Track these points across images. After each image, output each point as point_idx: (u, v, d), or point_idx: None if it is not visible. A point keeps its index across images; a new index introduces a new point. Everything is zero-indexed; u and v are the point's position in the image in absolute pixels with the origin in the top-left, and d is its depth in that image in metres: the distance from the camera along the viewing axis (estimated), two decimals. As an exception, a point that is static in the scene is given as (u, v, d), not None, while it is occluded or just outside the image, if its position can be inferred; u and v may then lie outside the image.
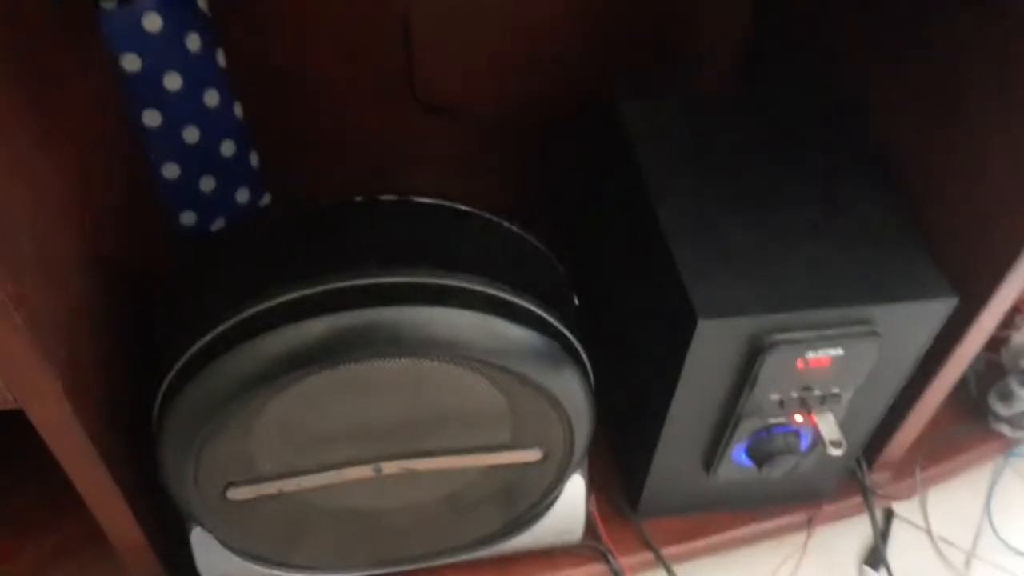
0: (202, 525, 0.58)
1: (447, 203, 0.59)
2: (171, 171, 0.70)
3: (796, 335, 0.57)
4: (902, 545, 0.85)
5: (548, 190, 0.88)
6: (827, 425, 0.63)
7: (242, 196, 0.76)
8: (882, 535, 0.85)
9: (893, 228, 0.61)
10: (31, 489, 0.69)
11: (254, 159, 0.76)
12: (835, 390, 0.62)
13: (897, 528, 0.86)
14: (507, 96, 0.85)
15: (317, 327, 0.46)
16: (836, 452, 0.62)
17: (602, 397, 0.58)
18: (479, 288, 0.51)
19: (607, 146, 0.71)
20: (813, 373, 0.60)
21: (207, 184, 0.72)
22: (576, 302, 0.61)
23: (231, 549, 0.61)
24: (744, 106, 0.71)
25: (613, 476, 0.76)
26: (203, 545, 0.60)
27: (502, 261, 0.57)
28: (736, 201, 0.62)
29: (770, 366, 0.58)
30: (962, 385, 0.86)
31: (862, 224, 0.61)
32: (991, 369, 0.86)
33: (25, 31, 0.48)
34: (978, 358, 0.85)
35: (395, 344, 0.48)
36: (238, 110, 0.72)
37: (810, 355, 0.58)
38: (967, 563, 0.85)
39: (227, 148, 0.72)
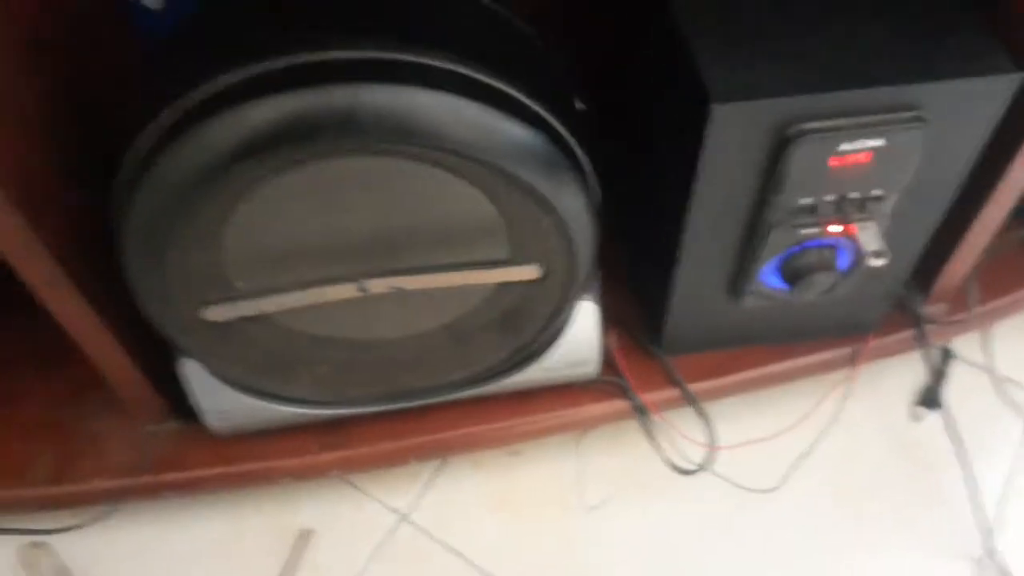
0: (186, 353, 0.56)
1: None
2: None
3: (827, 123, 0.50)
4: (961, 386, 0.78)
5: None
6: (868, 234, 0.56)
7: None
8: (938, 373, 0.78)
9: (947, 9, 0.52)
10: (38, 335, 0.68)
11: None
12: (876, 192, 0.54)
13: (955, 368, 0.79)
14: None
15: (264, 110, 0.41)
16: (878, 263, 0.55)
17: (619, 221, 0.52)
18: (453, 67, 0.45)
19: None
20: (849, 172, 0.53)
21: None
22: (579, 105, 0.55)
23: (224, 381, 0.58)
24: None
25: (635, 311, 0.71)
26: (195, 377, 0.58)
27: (494, 47, 0.51)
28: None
29: (798, 161, 0.51)
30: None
31: (909, 5, 0.53)
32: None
33: None
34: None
35: (350, 133, 0.43)
36: None
37: (845, 148, 0.51)
38: (1034, 403, 0.78)
39: None
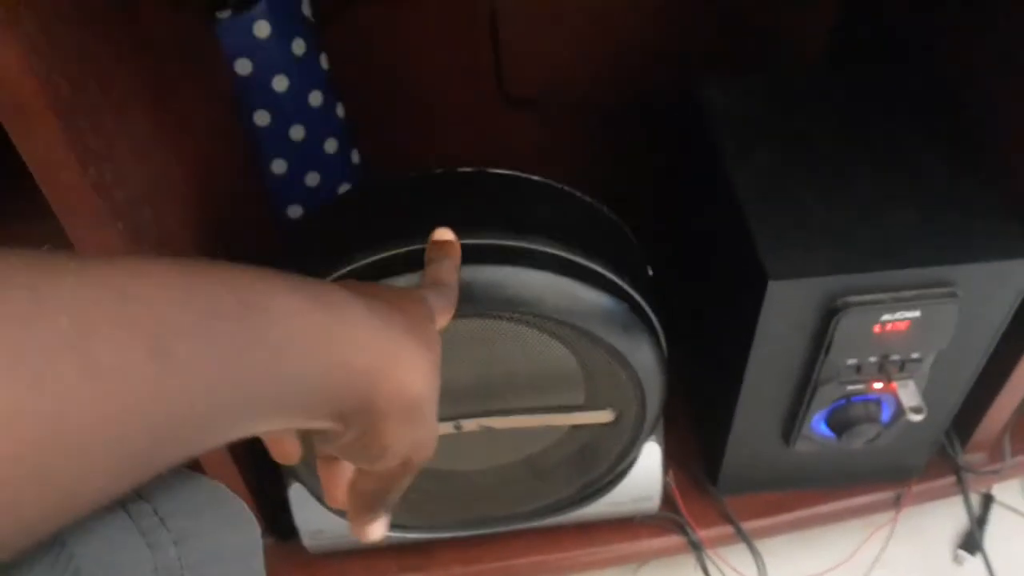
0: (300, 481, 0.62)
1: (522, 174, 0.62)
2: (279, 167, 0.75)
3: (870, 297, 0.57)
4: (1001, 531, 0.82)
5: (629, 177, 0.90)
6: (907, 391, 0.62)
7: (343, 190, 0.81)
8: (978, 519, 0.82)
9: (975, 195, 0.60)
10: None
11: (355, 155, 0.81)
12: (915, 355, 0.61)
13: (996, 513, 0.83)
14: (593, 85, 0.87)
15: (399, 285, 0.50)
16: (916, 418, 0.61)
17: (679, 369, 0.59)
18: (551, 250, 0.53)
19: (688, 124, 0.72)
20: (890, 337, 0.59)
21: (312, 179, 0.77)
22: (650, 272, 0.63)
23: (326, 505, 0.65)
24: (826, 84, 0.71)
25: (692, 451, 0.77)
26: (300, 500, 0.64)
27: (574, 227, 0.59)
28: (814, 171, 0.62)
29: (845, 329, 0.58)
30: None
31: (943, 193, 0.61)
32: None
33: (147, 37, 0.54)
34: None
35: (469, 302, 0.51)
36: (340, 110, 0.77)
37: (886, 318, 0.58)
38: (1074, 551, 0.81)
39: (330, 145, 0.77)
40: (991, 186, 0.61)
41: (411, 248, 0.51)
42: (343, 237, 0.57)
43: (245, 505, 0.25)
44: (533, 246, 0.53)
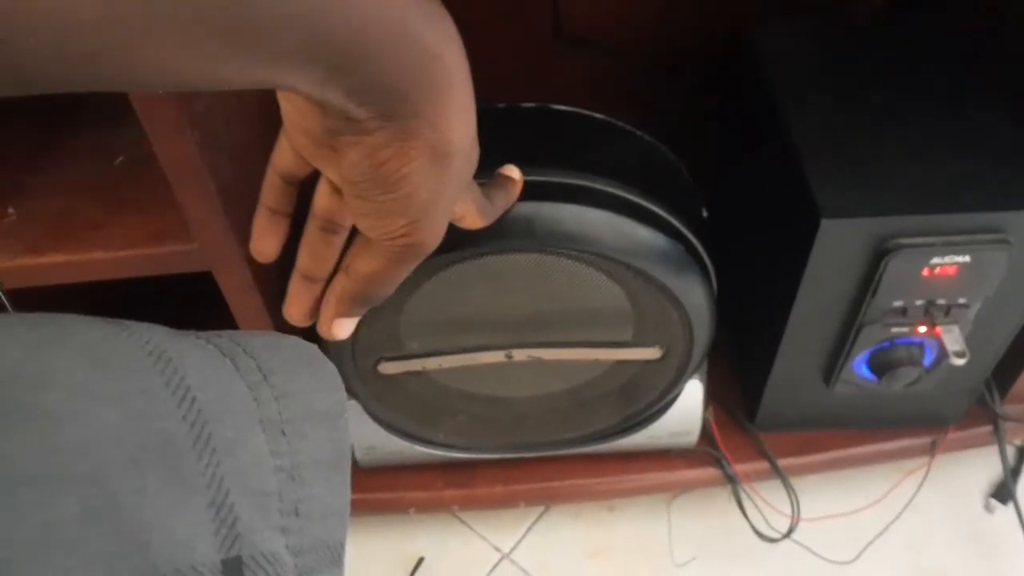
0: (355, 397, 0.66)
1: (584, 111, 0.62)
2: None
3: (921, 239, 0.57)
4: (1035, 482, 0.83)
5: (685, 121, 0.89)
6: (951, 336, 0.63)
7: None
8: (1013, 470, 0.83)
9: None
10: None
11: None
12: (961, 301, 0.61)
13: (1032, 466, 0.84)
14: (649, 27, 0.87)
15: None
16: (959, 362, 0.62)
17: (725, 308, 0.60)
18: (610, 189, 0.55)
19: (745, 71, 0.72)
20: (938, 281, 0.60)
21: None
22: (704, 214, 0.64)
23: (379, 422, 0.68)
24: (885, 31, 0.70)
25: (733, 389, 0.78)
26: (355, 416, 0.68)
27: (633, 166, 0.60)
28: (869, 116, 0.63)
29: (893, 271, 0.59)
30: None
31: (998, 141, 0.60)
32: None
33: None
34: None
35: (530, 237, 0.53)
36: None
37: (935, 261, 0.58)
38: (1107, 504, 0.82)
39: None
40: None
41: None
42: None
43: (335, 369, 0.27)
44: (593, 184, 0.54)
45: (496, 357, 0.61)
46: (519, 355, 0.61)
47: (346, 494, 0.25)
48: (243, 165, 0.53)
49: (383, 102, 0.26)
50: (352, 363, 0.60)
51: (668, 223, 0.56)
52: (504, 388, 0.66)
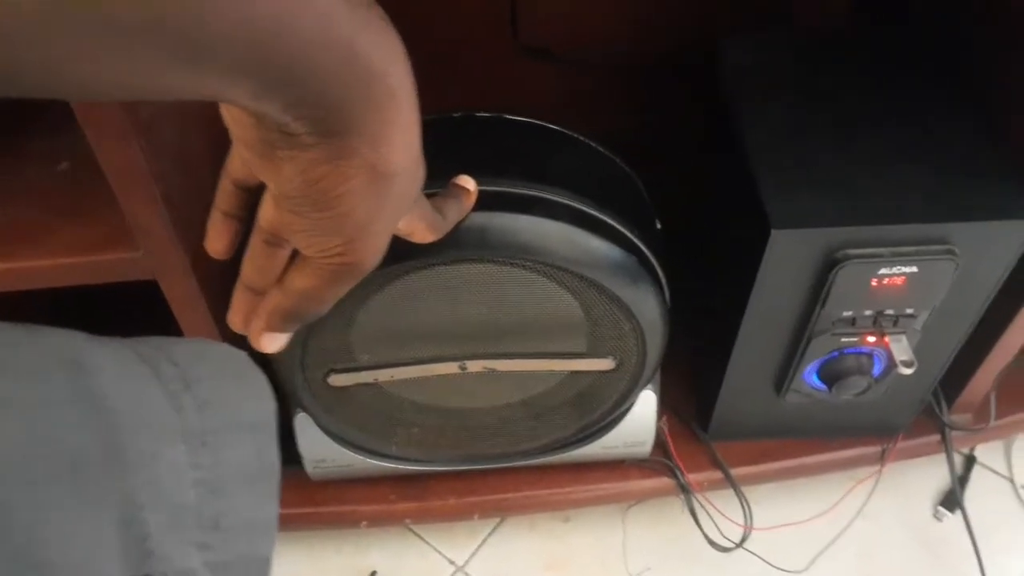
0: (305, 409, 0.64)
1: (540, 122, 0.62)
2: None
3: (870, 250, 0.58)
4: (982, 491, 0.84)
5: (644, 133, 0.90)
6: (899, 346, 0.64)
7: None
8: (960, 479, 0.84)
9: (982, 154, 0.61)
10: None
11: None
12: (909, 311, 0.62)
13: (978, 474, 0.86)
14: (609, 38, 0.87)
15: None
16: (907, 371, 0.63)
17: (681, 319, 0.61)
18: (563, 200, 0.54)
19: (706, 78, 0.73)
20: (887, 292, 0.61)
21: None
22: (658, 226, 0.64)
23: (330, 435, 0.67)
24: (848, 41, 0.71)
25: (687, 399, 0.78)
26: (305, 429, 0.66)
27: (588, 178, 0.60)
28: (827, 126, 0.63)
29: (843, 281, 0.59)
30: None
31: (950, 151, 0.61)
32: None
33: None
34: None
35: (482, 247, 0.52)
36: None
37: (883, 272, 0.59)
38: (1050, 511, 0.84)
39: None
40: (999, 148, 0.62)
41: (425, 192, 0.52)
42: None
43: (265, 378, 0.26)
44: (547, 195, 0.54)
45: (449, 368, 0.61)
46: (473, 366, 0.61)
47: (274, 506, 0.24)
48: (190, 172, 0.52)
49: (322, 118, 0.26)
50: (302, 374, 0.59)
51: (622, 235, 0.56)
52: (458, 399, 0.65)
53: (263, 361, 0.56)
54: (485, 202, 0.51)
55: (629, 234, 0.56)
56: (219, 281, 0.57)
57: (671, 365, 0.73)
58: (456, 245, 0.51)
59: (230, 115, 0.29)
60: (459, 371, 0.61)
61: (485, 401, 0.66)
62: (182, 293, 0.54)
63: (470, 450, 0.70)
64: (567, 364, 0.61)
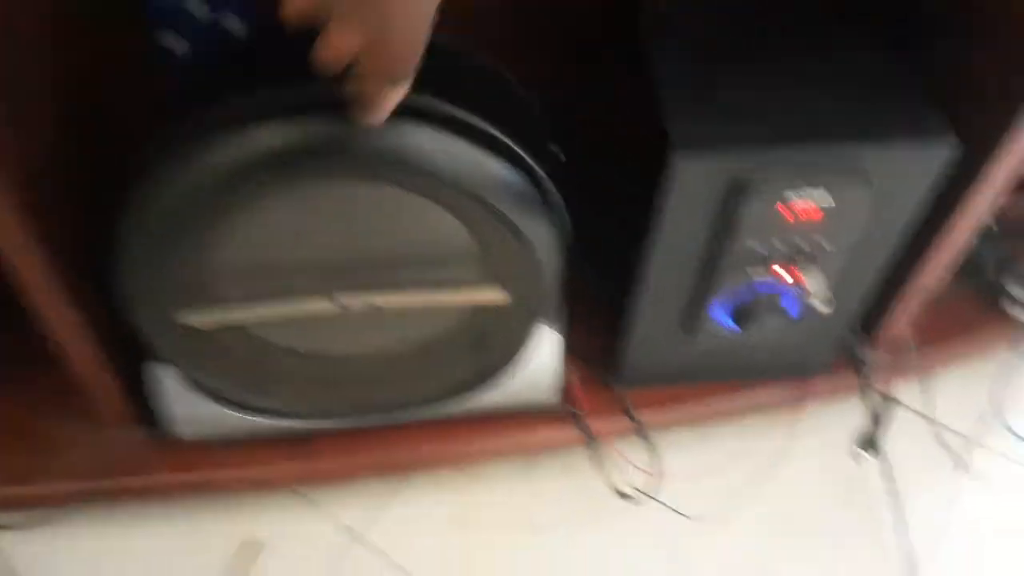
0: (163, 358, 0.57)
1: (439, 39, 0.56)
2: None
3: (776, 172, 0.54)
4: (901, 430, 0.82)
5: (558, 66, 0.84)
6: (815, 282, 0.60)
7: (233, 24, 0.72)
8: (878, 418, 0.82)
9: (896, 79, 0.58)
10: (7, 339, 0.69)
11: None
12: (824, 245, 0.58)
13: (898, 413, 0.83)
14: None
15: (269, 132, 0.44)
16: (823, 308, 0.59)
17: (592, 260, 0.56)
18: (449, 111, 0.48)
19: (616, 17, 0.67)
20: (801, 225, 0.57)
21: (197, 7, 0.68)
22: (561, 157, 0.58)
23: (202, 389, 0.60)
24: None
25: (597, 345, 0.74)
26: (175, 384, 0.60)
27: (478, 92, 0.54)
28: (738, 55, 0.59)
29: (750, 208, 0.55)
30: (978, 269, 0.82)
31: (863, 75, 0.58)
32: (1013, 256, 0.82)
33: None
34: (1000, 244, 0.81)
35: (354, 162, 0.46)
36: None
37: (793, 198, 0.55)
38: (968, 450, 0.82)
39: None
40: (914, 74, 0.58)
41: (297, 93, 0.45)
42: (227, 74, 0.51)
43: None
44: (423, 102, 0.47)
45: (323, 305, 0.54)
46: (350, 301, 0.55)
47: None
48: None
49: None
50: (152, 313, 0.52)
51: (508, 148, 0.50)
52: (342, 344, 0.59)
53: (118, 306, 0.50)
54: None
55: (516, 148, 0.50)
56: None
57: (580, 308, 0.68)
58: (317, 158, 0.45)
59: None
60: (336, 308, 0.55)
61: (372, 346, 0.60)
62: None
63: (361, 402, 0.64)
64: (456, 296, 0.56)
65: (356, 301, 0.54)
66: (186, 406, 0.62)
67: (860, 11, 0.63)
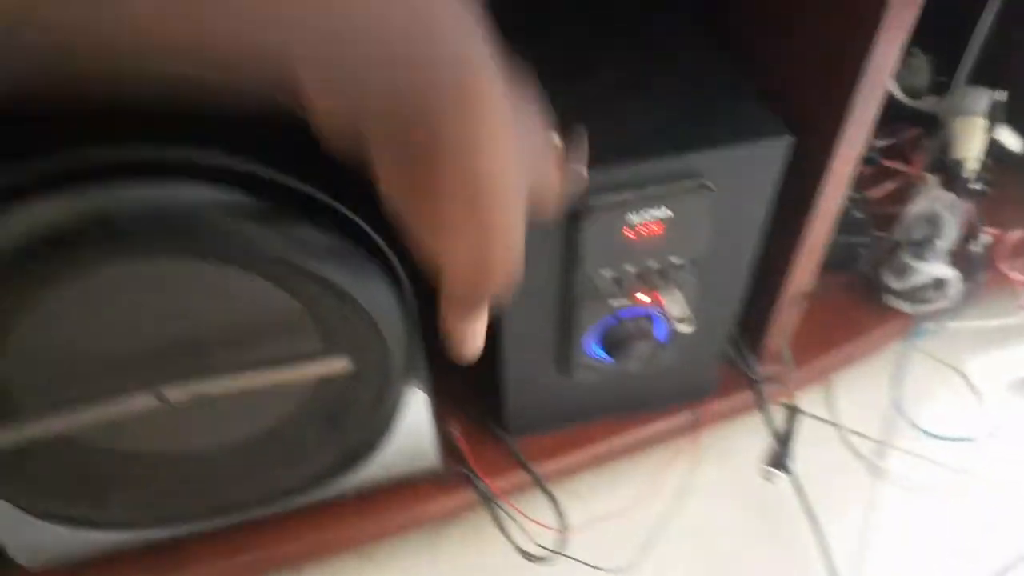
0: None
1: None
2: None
3: (614, 197, 0.52)
4: (809, 441, 0.80)
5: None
6: (673, 301, 0.57)
7: None
8: (782, 433, 0.80)
9: (721, 80, 0.57)
10: None
11: None
12: (674, 260, 0.56)
13: (803, 424, 0.81)
14: None
15: (12, 219, 0.40)
16: (685, 329, 0.57)
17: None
18: (245, 167, 0.45)
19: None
20: (645, 242, 0.54)
21: None
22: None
23: (31, 512, 0.54)
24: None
25: (476, 396, 0.70)
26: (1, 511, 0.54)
27: (285, 142, 0.51)
28: (555, 67, 0.57)
29: (592, 236, 0.52)
30: (851, 263, 0.81)
31: (688, 79, 0.57)
32: (884, 249, 0.82)
33: None
34: (868, 233, 0.81)
35: (114, 235, 0.42)
36: None
37: (633, 218, 0.53)
38: (879, 453, 0.80)
39: None
40: (740, 73, 0.57)
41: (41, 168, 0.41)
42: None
43: None
44: (199, 157, 0.44)
45: (146, 402, 0.50)
46: (175, 393, 0.50)
47: None
48: None
49: (398, 130, 0.23)
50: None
51: (329, 208, 0.46)
52: (180, 441, 0.54)
53: None
54: (112, 173, 0.41)
55: (339, 206, 0.47)
56: None
57: (450, 360, 0.65)
58: (75, 243, 0.41)
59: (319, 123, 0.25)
60: (160, 403, 0.50)
61: (215, 438, 0.55)
62: None
63: (217, 500, 0.59)
64: (292, 372, 0.51)
65: (183, 392, 0.50)
66: (24, 535, 0.56)
67: (680, 11, 0.63)
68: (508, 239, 0.27)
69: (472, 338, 0.35)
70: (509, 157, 0.26)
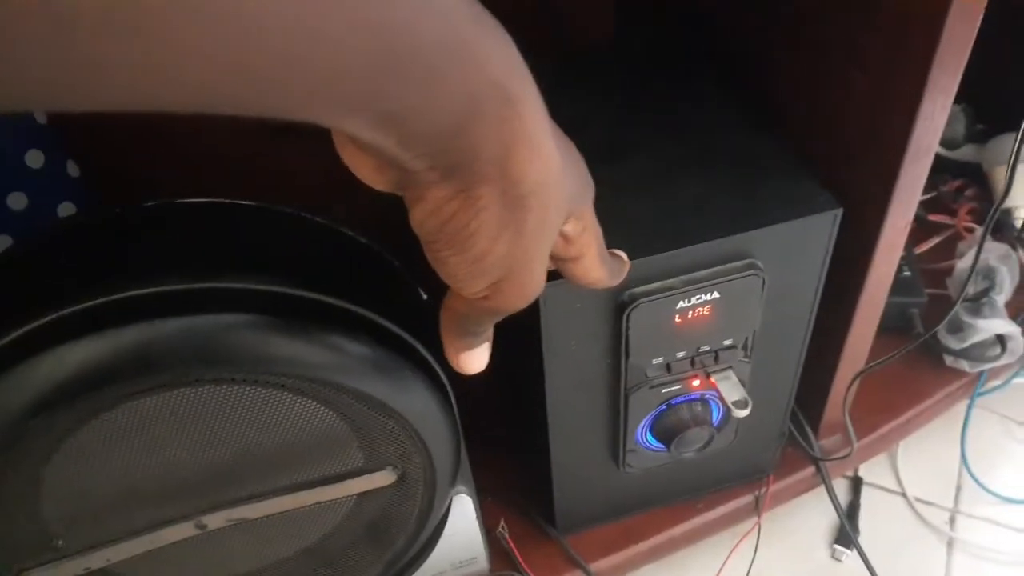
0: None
1: (268, 205, 0.52)
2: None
3: (659, 284, 0.49)
4: (876, 513, 0.76)
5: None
6: (727, 384, 0.55)
7: (67, 211, 0.68)
8: (850, 506, 0.76)
9: (763, 158, 0.55)
10: None
11: (72, 168, 0.68)
12: (726, 342, 0.54)
13: (869, 496, 0.77)
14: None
15: (50, 363, 0.39)
16: (741, 413, 0.54)
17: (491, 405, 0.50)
18: (278, 289, 0.43)
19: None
20: (695, 327, 0.52)
21: (16, 201, 0.64)
22: (424, 297, 0.54)
23: None
24: (611, 60, 0.65)
25: (523, 491, 0.67)
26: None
27: (320, 260, 0.50)
28: (589, 153, 0.55)
29: (639, 325, 0.50)
30: (908, 327, 0.78)
31: (727, 160, 0.55)
32: (937, 306, 0.78)
33: None
34: (922, 298, 0.78)
35: (151, 368, 0.40)
36: (42, 117, 0.64)
37: (683, 305, 0.50)
38: (951, 521, 0.76)
39: (34, 159, 0.65)
40: (780, 147, 0.55)
41: (80, 307, 0.40)
42: (17, 288, 0.46)
43: None
44: (226, 284, 0.42)
45: (185, 531, 0.47)
46: (214, 521, 0.48)
47: None
48: None
49: (441, 148, 0.24)
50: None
51: (364, 320, 0.45)
52: (221, 567, 0.52)
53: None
54: (146, 309, 0.39)
55: (376, 316, 0.45)
56: None
57: (496, 456, 0.62)
58: (113, 380, 0.39)
59: (352, 163, 0.27)
60: (199, 531, 0.48)
61: (256, 562, 0.52)
62: None
63: (262, 623, 0.56)
64: (334, 491, 0.49)
65: (219, 519, 0.47)
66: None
67: (713, 84, 0.61)
68: (537, 253, 0.28)
69: (480, 355, 0.36)
70: (552, 171, 0.27)
